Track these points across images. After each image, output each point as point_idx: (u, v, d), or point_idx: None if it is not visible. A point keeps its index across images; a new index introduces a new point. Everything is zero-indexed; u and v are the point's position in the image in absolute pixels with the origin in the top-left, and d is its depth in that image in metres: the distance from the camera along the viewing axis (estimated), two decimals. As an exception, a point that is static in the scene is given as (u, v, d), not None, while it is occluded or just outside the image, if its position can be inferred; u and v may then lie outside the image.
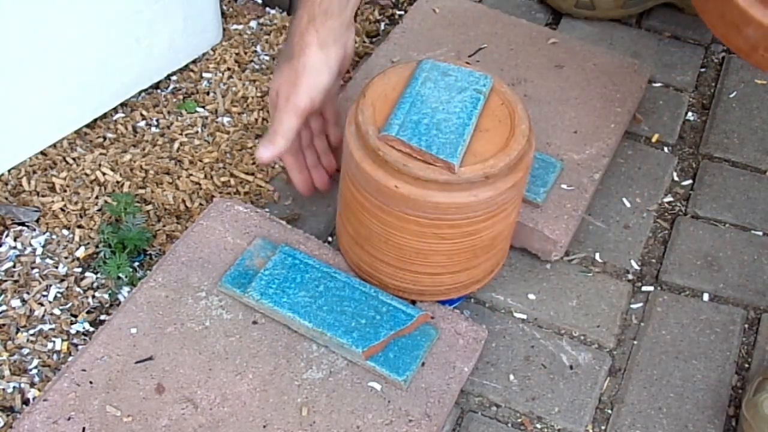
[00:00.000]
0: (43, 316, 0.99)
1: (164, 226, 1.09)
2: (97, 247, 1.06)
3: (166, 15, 1.19)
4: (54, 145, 1.16)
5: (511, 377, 0.99)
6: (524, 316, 1.04)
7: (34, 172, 1.13)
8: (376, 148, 0.85)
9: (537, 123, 1.16)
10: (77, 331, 0.98)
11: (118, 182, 1.12)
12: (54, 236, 1.06)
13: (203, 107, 1.24)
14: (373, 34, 1.38)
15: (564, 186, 1.10)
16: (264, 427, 0.86)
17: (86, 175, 1.13)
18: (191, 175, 1.15)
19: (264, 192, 1.14)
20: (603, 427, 0.96)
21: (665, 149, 1.25)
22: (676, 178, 1.21)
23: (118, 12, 1.12)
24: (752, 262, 1.12)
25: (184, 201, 1.12)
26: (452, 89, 0.90)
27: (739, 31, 0.92)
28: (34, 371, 0.95)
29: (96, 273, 1.04)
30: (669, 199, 1.19)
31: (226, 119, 1.23)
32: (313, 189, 1.07)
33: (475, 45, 1.27)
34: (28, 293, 1.01)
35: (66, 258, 1.04)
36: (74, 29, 1.08)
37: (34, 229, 1.07)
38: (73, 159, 1.14)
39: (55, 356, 0.96)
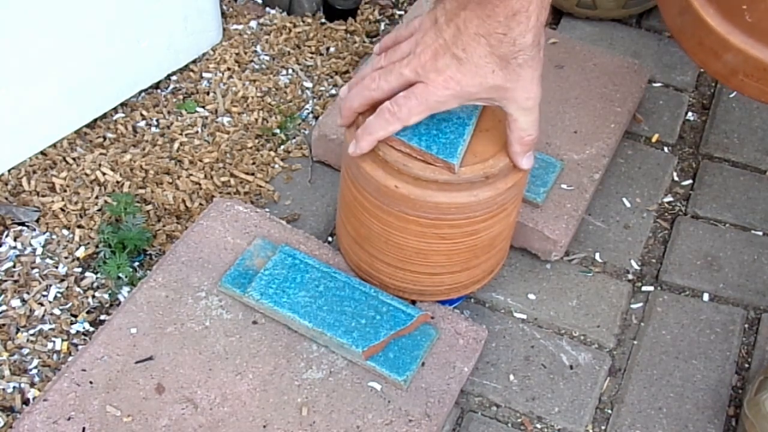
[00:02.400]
0: (43, 316, 0.99)
1: (164, 226, 1.09)
2: (97, 247, 1.06)
3: (166, 15, 1.19)
4: (54, 145, 1.16)
5: (511, 377, 0.99)
6: (524, 316, 1.04)
7: (34, 172, 1.13)
8: (376, 148, 0.85)
9: (537, 123, 1.16)
10: (77, 331, 0.98)
11: (118, 182, 1.12)
12: (54, 236, 1.06)
13: (203, 107, 1.24)
14: (373, 34, 1.38)
15: (564, 186, 1.10)
16: (264, 427, 0.86)
17: (86, 175, 1.13)
18: (191, 175, 1.15)
19: (264, 192, 1.14)
20: (603, 427, 0.96)
21: (665, 149, 1.25)
22: (676, 178, 1.21)
23: (118, 12, 1.12)
24: (752, 262, 1.12)
25: (184, 201, 1.12)
26: (452, 89, 0.90)
27: (718, 57, 0.92)
28: (34, 371, 0.95)
29: (96, 273, 1.04)
30: (669, 199, 1.19)
31: (226, 119, 1.23)
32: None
33: (475, 45, 1.26)
34: (28, 293, 1.01)
35: (66, 258, 1.04)
36: (74, 29, 1.08)
37: (34, 229, 1.07)
38: (73, 159, 1.14)
39: (55, 356, 0.96)
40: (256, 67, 1.31)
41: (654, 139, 1.26)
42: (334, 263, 0.99)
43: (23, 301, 1.00)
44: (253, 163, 1.17)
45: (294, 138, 1.22)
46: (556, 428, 0.96)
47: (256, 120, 1.23)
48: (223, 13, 1.35)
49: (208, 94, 1.26)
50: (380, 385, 0.90)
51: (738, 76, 0.92)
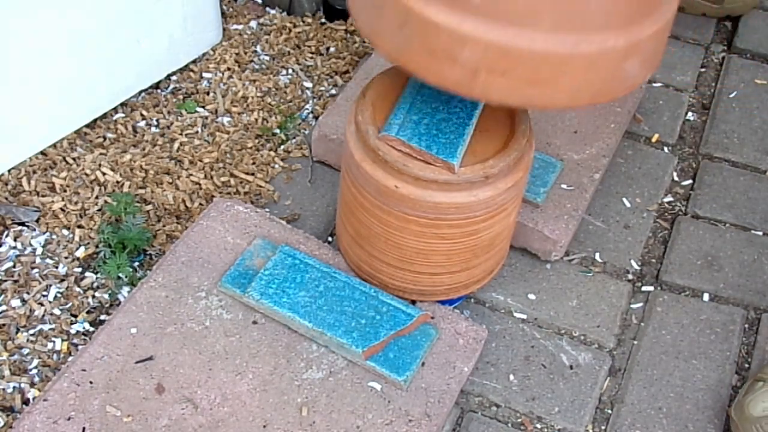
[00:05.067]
0: (43, 316, 0.99)
1: (164, 226, 1.09)
2: (97, 247, 1.06)
3: (166, 15, 1.19)
4: (54, 145, 1.16)
5: (511, 377, 0.99)
6: (524, 316, 1.04)
7: (34, 172, 1.13)
8: (376, 148, 0.85)
9: (537, 123, 1.16)
10: (77, 331, 0.98)
11: (118, 182, 1.13)
12: (54, 236, 1.06)
13: (203, 107, 1.24)
14: (373, 34, 1.38)
15: (564, 186, 1.10)
16: (264, 427, 0.86)
17: (86, 175, 1.13)
18: (191, 175, 1.15)
19: (264, 192, 1.14)
20: (603, 427, 0.96)
21: (665, 149, 1.25)
22: (676, 178, 1.21)
23: (118, 12, 1.13)
24: (752, 262, 1.12)
25: (184, 201, 1.12)
26: (452, 89, 0.90)
27: (454, 60, 0.77)
28: (34, 371, 0.95)
29: (96, 273, 1.04)
30: (669, 199, 1.19)
31: (226, 119, 1.23)
32: None
33: (475, 45, 1.27)
34: (28, 293, 1.01)
35: (66, 258, 1.04)
36: (74, 29, 1.08)
37: (34, 229, 1.07)
38: (73, 159, 1.14)
39: (55, 356, 0.96)
40: (256, 67, 1.31)
41: (654, 139, 1.26)
42: (334, 263, 0.99)
43: (23, 301, 1.00)
44: (253, 163, 1.17)
45: (294, 138, 1.22)
46: (556, 428, 0.96)
47: (256, 120, 1.23)
48: (223, 13, 1.35)
49: (208, 94, 1.26)
50: (380, 385, 0.90)
51: (481, 76, 0.77)
